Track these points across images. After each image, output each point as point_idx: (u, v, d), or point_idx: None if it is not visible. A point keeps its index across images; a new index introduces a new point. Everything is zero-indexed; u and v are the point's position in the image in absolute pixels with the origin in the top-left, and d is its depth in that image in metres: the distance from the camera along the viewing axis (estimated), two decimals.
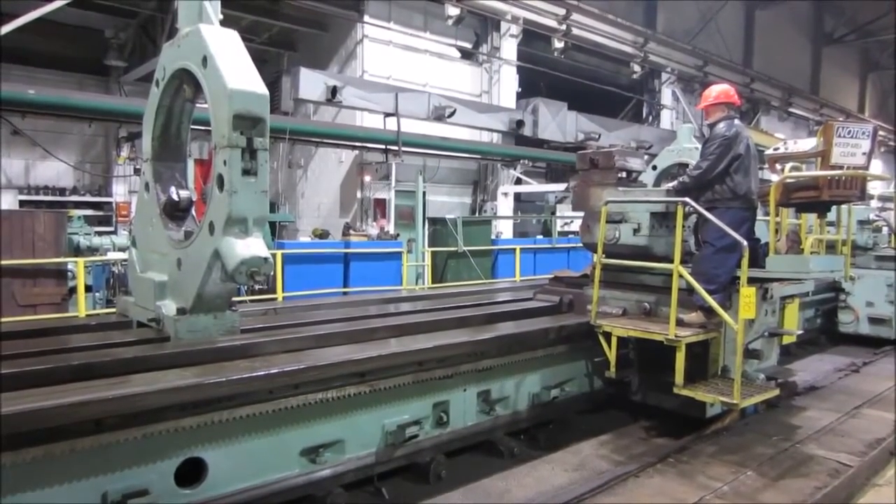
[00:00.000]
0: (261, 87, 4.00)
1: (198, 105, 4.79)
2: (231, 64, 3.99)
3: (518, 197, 15.01)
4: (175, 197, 4.78)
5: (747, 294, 3.97)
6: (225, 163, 3.90)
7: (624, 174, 5.29)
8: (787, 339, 5.95)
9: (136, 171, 11.86)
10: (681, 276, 4.46)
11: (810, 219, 5.38)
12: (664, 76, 17.79)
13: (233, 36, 4.26)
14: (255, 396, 3.47)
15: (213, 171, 4.07)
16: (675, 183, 4.93)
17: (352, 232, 10.12)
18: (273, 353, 3.99)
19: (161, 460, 3.23)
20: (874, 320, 8.51)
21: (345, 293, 9.33)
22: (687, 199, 4.44)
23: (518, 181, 14.38)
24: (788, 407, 5.84)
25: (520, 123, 13.27)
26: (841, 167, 4.20)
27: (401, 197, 12.35)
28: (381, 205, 12.56)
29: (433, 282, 10.60)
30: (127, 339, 4.23)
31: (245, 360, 3.77)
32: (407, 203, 12.26)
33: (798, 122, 24.24)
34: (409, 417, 4.18)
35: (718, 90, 5.02)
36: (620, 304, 5.20)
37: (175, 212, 4.81)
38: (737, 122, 4.82)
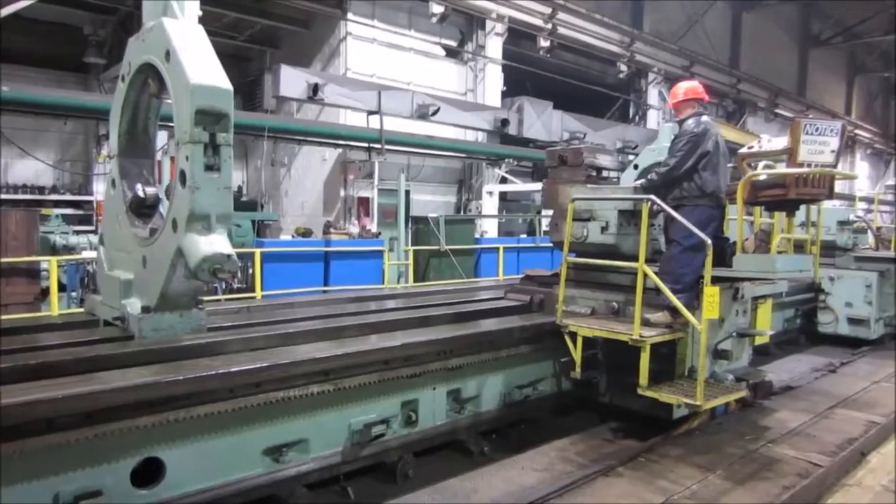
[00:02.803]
0: (224, 82, 3.95)
1: (167, 101, 4.74)
2: (194, 58, 3.95)
3: (504, 196, 15.00)
4: (141, 194, 4.71)
5: (711, 294, 3.96)
6: (187, 158, 3.86)
7: (594, 172, 5.27)
8: (759, 340, 5.94)
9: None
10: (648, 275, 4.44)
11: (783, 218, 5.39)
12: (651, 76, 17.82)
13: (198, 30, 4.22)
14: (215, 395, 3.42)
15: (175, 166, 4.03)
16: (643, 180, 4.92)
17: (332, 230, 10.06)
18: (238, 352, 3.95)
19: (116, 460, 3.17)
20: (853, 321, 8.55)
21: (325, 292, 9.26)
22: (652, 197, 4.42)
23: (503, 180, 14.36)
24: (762, 407, 5.84)
25: (505, 122, 13.25)
26: (809, 165, 4.19)
27: (384, 195, 12.29)
28: (364, 203, 12.51)
29: (415, 281, 10.56)
30: (90, 338, 4.17)
31: (207, 359, 3.72)
32: (390, 202, 12.19)
33: (785, 124, 24.26)
34: (377, 416, 4.14)
35: (686, 87, 5.01)
36: (589, 304, 5.18)
37: (141, 209, 4.74)
38: (705, 118, 4.80)
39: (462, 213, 14.03)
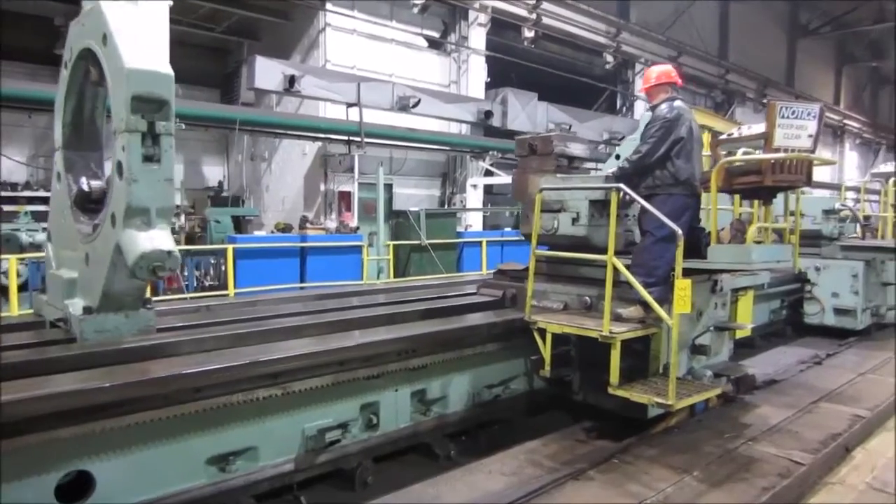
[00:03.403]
0: (164, 67, 3.72)
1: None
2: (131, 41, 3.70)
3: (489, 189, 14.77)
4: (86, 188, 4.45)
5: (682, 287, 3.74)
6: (123, 149, 3.61)
7: (566, 161, 5.05)
8: (740, 333, 5.74)
9: None
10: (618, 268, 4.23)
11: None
12: (637, 67, 17.59)
13: (140, 11, 3.96)
14: (148, 402, 3.18)
15: (113, 157, 3.78)
16: (614, 169, 4.70)
17: (309, 225, 9.81)
18: (187, 354, 3.73)
19: (38, 475, 2.94)
20: (839, 311, 8.37)
21: (301, 288, 9.03)
22: (621, 186, 4.20)
23: (488, 173, 14.13)
24: (744, 402, 5.65)
25: (488, 114, 13.01)
26: (786, 150, 3.97)
27: (366, 190, 12.04)
28: (346, 198, 12.25)
29: (395, 276, 10.32)
30: (31, 341, 3.94)
31: (147, 363, 3.49)
32: (372, 196, 11.95)
33: None
34: (333, 421, 3.92)
35: (659, 71, 4.78)
36: (562, 299, 4.96)
37: (87, 204, 4.47)
38: (678, 103, 4.58)
39: (447, 207, 13.80)
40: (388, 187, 12.84)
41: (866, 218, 9.34)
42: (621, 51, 16.59)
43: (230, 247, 8.43)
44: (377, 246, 10.07)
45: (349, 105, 11.20)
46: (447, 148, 13.27)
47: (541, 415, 5.21)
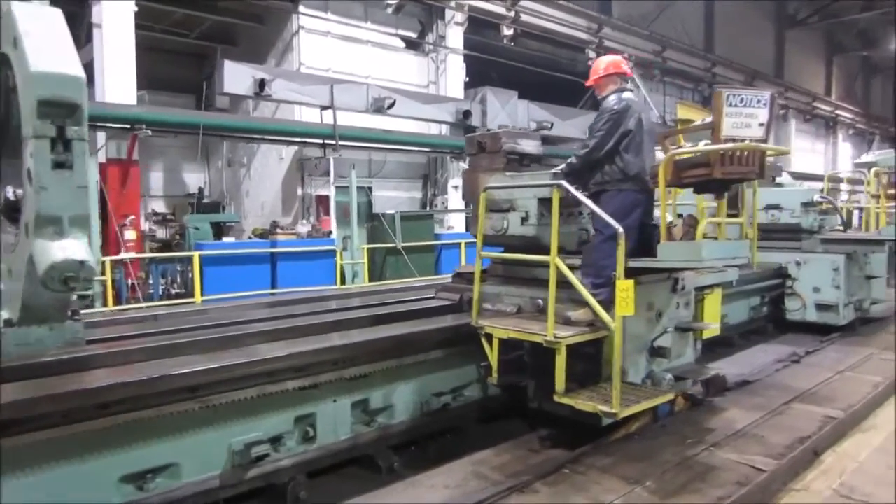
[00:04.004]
0: (75, 70, 3.55)
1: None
2: (39, 43, 3.53)
3: None
4: (12, 196, 4.26)
5: (624, 288, 3.55)
6: (32, 155, 3.45)
7: (519, 158, 4.86)
8: (708, 333, 5.54)
9: None
10: (572, 269, 4.04)
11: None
12: None
13: (53, 14, 3.80)
14: (47, 420, 3.00)
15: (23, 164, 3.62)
16: (563, 165, 4.51)
17: (279, 231, 9.63)
18: (111, 366, 3.56)
19: None
20: (821, 307, 8.15)
21: (272, 294, 8.85)
22: (562, 182, 4.01)
23: None
24: (712, 406, 5.45)
25: (466, 114, 12.82)
26: (735, 140, 3.78)
27: (342, 193, 11.86)
28: (323, 202, 12.07)
29: (371, 280, 10.14)
30: None
31: (56, 378, 3.31)
32: (349, 199, 11.78)
33: None
34: (262, 434, 3.73)
35: (607, 61, 4.59)
36: (515, 302, 4.77)
37: (13, 213, 4.31)
38: (627, 94, 4.39)
39: (428, 209, 13.61)
40: (368, 190, 12.69)
41: (849, 213, 9.13)
42: (603, 46, 16.38)
43: (196, 254, 8.25)
44: (351, 250, 9.88)
45: (323, 108, 11.03)
46: (427, 149, 13.09)
47: (496, 423, 5.02)
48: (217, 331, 4.36)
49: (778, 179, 9.11)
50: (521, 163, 4.93)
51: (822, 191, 11.97)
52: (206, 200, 14.71)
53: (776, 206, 8.36)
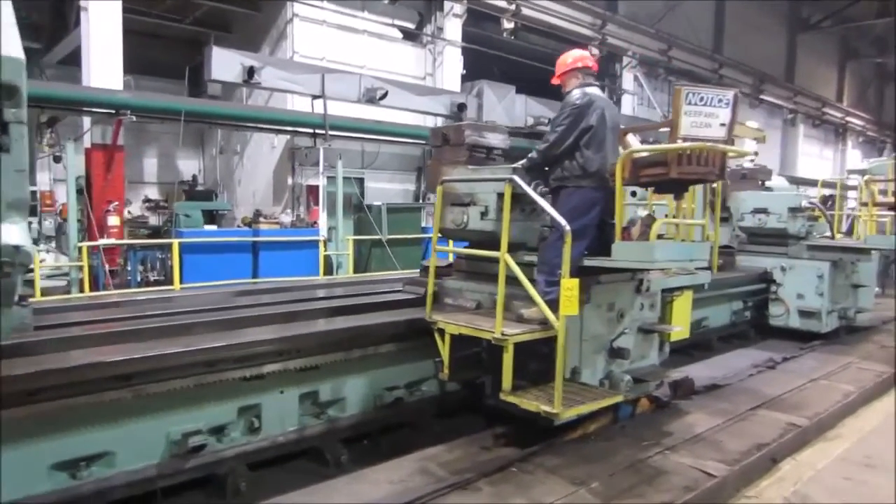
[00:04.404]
0: (13, 51, 3.49)
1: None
2: None
3: None
4: None
5: (568, 287, 3.48)
6: None
7: (484, 152, 4.79)
8: (676, 336, 5.45)
9: (56, 159, 11.32)
10: (531, 265, 3.98)
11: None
12: (625, 60, 17.21)
13: None
14: None
15: None
16: (524, 160, 4.44)
17: (262, 219, 9.59)
18: (52, 352, 3.53)
19: None
20: (804, 313, 8.03)
21: (254, 284, 8.83)
22: (514, 177, 3.93)
23: None
24: (677, 409, 5.37)
25: (461, 107, 12.72)
26: (694, 140, 3.68)
27: (334, 183, 11.82)
28: (314, 192, 12.03)
29: (356, 271, 10.10)
30: None
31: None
32: (342, 190, 11.73)
33: (773, 111, 23.70)
34: (203, 424, 3.71)
35: (574, 56, 4.51)
36: (476, 297, 4.71)
37: None
38: (592, 89, 4.30)
39: (421, 201, 13.53)
40: (360, 181, 12.64)
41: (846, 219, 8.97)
42: (607, 43, 16.22)
43: (175, 241, 8.24)
44: (336, 241, 9.84)
45: (314, 97, 10.98)
46: (420, 141, 13.01)
47: (454, 419, 4.97)
48: (168, 319, 4.34)
49: (768, 183, 8.96)
50: (488, 156, 4.86)
51: (820, 197, 11.87)
52: (199, 188, 14.72)
53: (763, 211, 8.24)
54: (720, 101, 3.74)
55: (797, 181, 16.57)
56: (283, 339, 3.87)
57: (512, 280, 4.20)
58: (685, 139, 3.69)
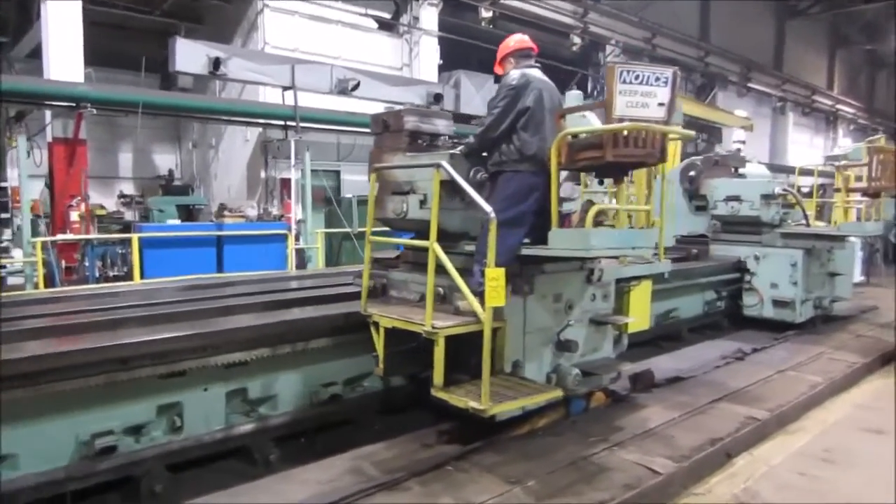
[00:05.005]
0: None
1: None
2: None
3: None
4: None
5: (493, 277, 3.30)
6: None
7: (427, 139, 4.60)
8: (634, 327, 5.28)
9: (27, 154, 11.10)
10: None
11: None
12: (608, 49, 16.97)
13: None
14: None
15: None
16: (462, 146, 4.25)
17: (226, 213, 9.40)
18: None
19: None
20: (778, 303, 7.85)
21: (206, 279, 8.63)
22: (442, 163, 3.75)
23: None
24: (634, 402, 5.21)
25: (438, 97, 12.51)
26: (631, 121, 3.50)
27: (312, 177, 11.60)
28: (288, 185, 11.83)
29: (327, 265, 9.92)
30: None
31: None
32: (314, 183, 11.52)
33: (761, 99, 23.46)
34: (118, 424, 3.54)
35: (514, 39, 4.33)
36: (420, 289, 4.52)
37: None
38: (530, 70, 4.10)
39: None
40: (336, 174, 12.44)
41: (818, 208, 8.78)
42: (589, 32, 15.97)
43: (135, 236, 8.05)
44: (305, 234, 9.65)
45: (284, 88, 10.76)
46: None
47: (400, 415, 4.79)
48: (95, 315, 4.17)
49: (741, 171, 8.77)
50: (431, 143, 4.67)
51: (815, 185, 11.67)
52: (176, 182, 14.52)
53: (736, 198, 8.06)
54: (658, 79, 3.55)
55: (777, 169, 16.37)
56: (200, 335, 3.69)
57: (460, 272, 4.02)
58: (621, 120, 3.50)
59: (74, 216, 8.54)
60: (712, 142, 18.68)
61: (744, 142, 15.19)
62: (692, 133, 4.04)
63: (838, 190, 7.97)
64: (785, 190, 8.04)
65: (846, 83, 29.81)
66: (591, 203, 3.79)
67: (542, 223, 4.07)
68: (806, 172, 11.44)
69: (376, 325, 4.12)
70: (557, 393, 3.87)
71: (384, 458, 4.06)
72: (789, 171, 17.39)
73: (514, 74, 4.07)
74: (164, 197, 12.77)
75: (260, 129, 11.76)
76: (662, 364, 6.39)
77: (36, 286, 7.29)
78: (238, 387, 4.02)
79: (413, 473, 3.76)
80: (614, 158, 3.50)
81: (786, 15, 24.98)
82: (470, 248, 4.29)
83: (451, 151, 4.24)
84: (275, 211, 11.00)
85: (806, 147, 26.37)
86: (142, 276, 8.02)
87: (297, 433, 4.37)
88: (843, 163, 8.22)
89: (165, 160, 14.88)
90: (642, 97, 3.53)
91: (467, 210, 4.38)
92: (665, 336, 7.50)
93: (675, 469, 4.03)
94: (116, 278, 8.29)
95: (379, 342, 4.07)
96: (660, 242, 4.21)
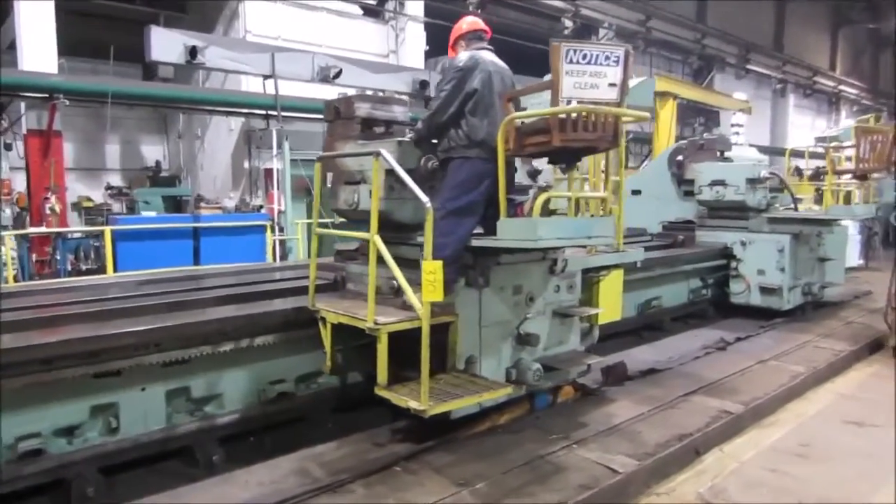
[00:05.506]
0: None
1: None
2: None
3: None
4: None
5: (430, 270, 3.12)
6: None
7: (384, 126, 4.41)
8: (606, 318, 5.10)
9: (7, 147, 10.99)
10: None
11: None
12: (602, 32, 16.62)
13: None
14: None
15: None
16: (412, 133, 4.05)
17: (203, 204, 9.24)
18: None
19: None
20: (765, 290, 7.63)
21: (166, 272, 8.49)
22: (381, 151, 3.56)
23: None
24: (603, 396, 5.04)
25: (424, 84, 12.26)
26: (579, 103, 3.28)
27: (298, 167, 11.40)
28: (271, 175, 11.65)
29: (308, 256, 9.75)
30: None
31: None
32: (299, 173, 11.33)
33: (761, 80, 23.03)
34: (47, 426, 3.41)
35: (467, 22, 4.11)
36: (376, 283, 4.34)
37: None
38: (481, 52, 3.89)
39: None
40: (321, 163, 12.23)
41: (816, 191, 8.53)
42: (581, 15, 15.63)
43: (107, 229, 7.91)
44: (286, 225, 9.49)
45: (265, 77, 10.56)
46: None
47: (356, 413, 4.63)
48: (33, 312, 4.00)
49: (728, 154, 8.52)
50: (387, 130, 4.47)
51: (816, 168, 11.35)
52: (164, 174, 14.37)
53: (721, 182, 7.82)
54: (608, 58, 3.33)
55: (773, 152, 16.03)
56: (131, 333, 3.53)
57: (411, 263, 3.85)
58: (569, 102, 3.29)
59: (48, 209, 8.41)
60: (709, 126, 18.35)
61: (741, 125, 14.86)
62: (646, 115, 3.84)
63: (826, 173, 7.71)
64: (771, 173, 7.78)
65: (849, 64, 29.23)
66: (540, 190, 3.58)
67: (495, 212, 3.87)
68: (797, 154, 11.14)
69: (324, 320, 3.95)
70: (507, 390, 3.69)
71: (332, 458, 3.90)
72: (779, 153, 17.03)
73: (461, 56, 3.86)
74: (149, 188, 12.63)
75: (243, 119, 11.57)
76: (640, 355, 6.21)
77: (5, 280, 7.16)
78: (179, 385, 3.86)
79: (359, 475, 3.61)
80: (562, 143, 3.29)
81: None
82: (423, 239, 4.10)
83: (400, 139, 4.05)
84: (256, 201, 10.83)
85: (807, 130, 25.89)
86: (115, 270, 7.88)
87: (245, 432, 4.22)
88: (833, 144, 7.95)
89: (153, 151, 14.73)
90: (591, 77, 3.31)
91: (417, 199, 4.20)
92: (647, 326, 7.31)
93: (637, 468, 3.86)
94: (89, 272, 8.16)
95: (326, 338, 3.91)
96: (617, 231, 4.00)
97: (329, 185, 4.50)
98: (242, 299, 4.52)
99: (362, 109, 4.30)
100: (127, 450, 3.68)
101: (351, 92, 11.31)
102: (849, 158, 7.95)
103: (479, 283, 4.03)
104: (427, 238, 3.24)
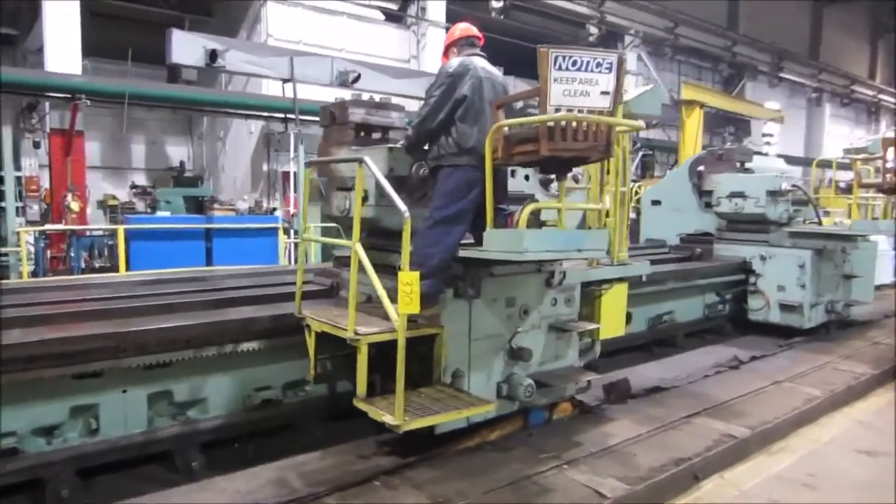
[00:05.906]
0: None
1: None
2: None
3: None
4: None
5: (406, 281, 3.01)
6: None
7: (380, 132, 4.33)
8: (607, 334, 4.91)
9: (36, 145, 11.27)
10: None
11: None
12: (627, 39, 16.34)
13: None
14: None
15: None
16: (403, 140, 3.96)
17: (216, 206, 9.31)
18: None
19: None
20: (785, 307, 7.32)
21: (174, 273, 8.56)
22: (364, 158, 3.47)
23: None
24: (602, 415, 4.85)
25: None
26: (570, 111, 3.15)
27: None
28: (289, 178, 11.72)
29: (323, 259, 9.74)
30: None
31: None
32: (316, 176, 11.36)
33: (794, 89, 22.37)
34: (23, 426, 3.41)
35: (460, 28, 4.00)
36: (367, 290, 4.26)
37: None
38: (472, 59, 3.78)
39: None
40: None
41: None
42: (606, 22, 15.39)
43: (120, 227, 8.01)
44: (300, 228, 9.48)
45: (284, 81, 10.62)
46: None
47: (346, 421, 4.54)
48: (24, 310, 4.03)
49: (749, 165, 8.23)
50: (383, 136, 4.40)
51: (832, 180, 10.94)
52: (188, 174, 14.59)
53: (740, 195, 7.55)
54: (599, 65, 3.19)
55: (803, 162, 15.49)
56: (110, 335, 3.51)
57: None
58: (557, 110, 3.16)
59: (74, 206, 8.57)
60: (739, 135, 17.89)
61: (772, 135, 14.43)
62: (642, 124, 3.66)
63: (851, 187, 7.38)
64: (794, 186, 7.48)
65: (890, 73, 28.23)
66: (530, 201, 3.46)
67: (483, 222, 3.76)
68: (825, 165, 10.75)
69: (310, 328, 3.89)
70: (490, 406, 3.56)
71: (313, 468, 3.82)
72: (824, 165, 16.48)
73: (452, 62, 3.76)
74: (171, 188, 12.82)
75: (263, 122, 11.66)
76: (647, 372, 5.99)
77: (21, 276, 7.30)
78: (162, 389, 3.83)
79: (337, 487, 3.52)
80: (550, 153, 3.16)
81: (823, 1, 23.72)
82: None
83: (391, 146, 3.97)
84: (273, 204, 10.89)
85: (844, 140, 25.10)
86: (127, 268, 7.98)
87: (229, 438, 4.17)
88: (862, 156, 7.62)
89: (177, 152, 14.98)
90: (581, 84, 3.18)
91: (413, 208, 4.09)
92: (659, 341, 7.08)
93: (626, 492, 3.69)
94: (101, 270, 8.28)
95: (311, 345, 3.84)
96: (612, 244, 3.84)
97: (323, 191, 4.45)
98: (233, 303, 4.48)
99: (357, 115, 4.23)
100: (106, 452, 3.66)
101: (366, 97, 11.39)
102: (878, 170, 7.59)
103: (469, 295, 3.91)
104: (405, 247, 3.15)
